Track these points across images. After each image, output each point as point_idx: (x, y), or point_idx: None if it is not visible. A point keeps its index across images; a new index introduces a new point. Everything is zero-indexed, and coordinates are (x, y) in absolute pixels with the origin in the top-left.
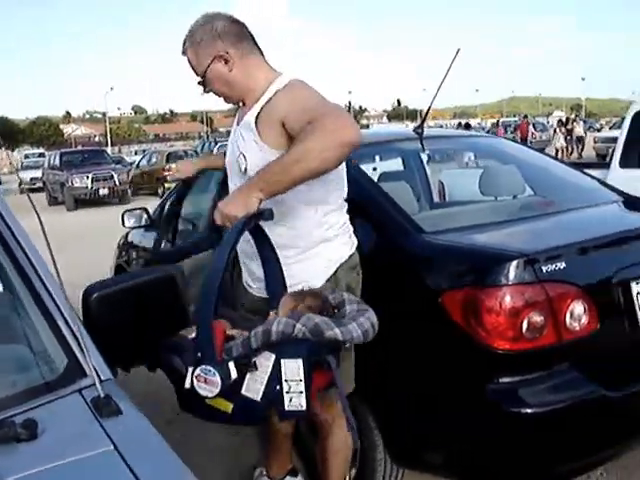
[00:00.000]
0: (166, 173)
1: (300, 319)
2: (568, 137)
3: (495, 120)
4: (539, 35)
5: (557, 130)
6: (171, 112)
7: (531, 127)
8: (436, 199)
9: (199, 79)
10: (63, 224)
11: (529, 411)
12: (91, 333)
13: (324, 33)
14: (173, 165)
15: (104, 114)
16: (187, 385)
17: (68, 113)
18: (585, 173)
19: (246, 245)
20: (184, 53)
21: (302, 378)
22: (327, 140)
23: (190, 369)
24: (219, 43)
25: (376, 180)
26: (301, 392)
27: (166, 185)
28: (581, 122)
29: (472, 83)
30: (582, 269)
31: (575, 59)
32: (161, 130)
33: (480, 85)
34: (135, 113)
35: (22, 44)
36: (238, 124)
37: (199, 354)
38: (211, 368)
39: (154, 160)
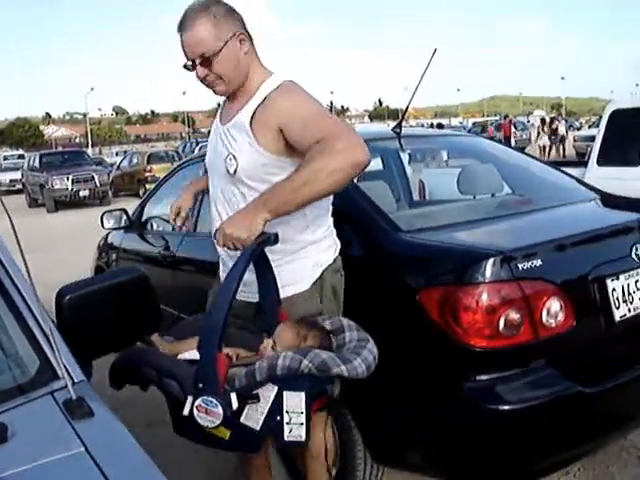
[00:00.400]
0: (174, 223)
1: (307, 355)
2: (553, 136)
3: (476, 119)
4: (520, 35)
5: (540, 129)
6: (152, 113)
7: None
8: (416, 198)
9: (198, 60)
10: (43, 226)
11: (506, 408)
12: (64, 335)
13: (304, 31)
14: (174, 207)
15: (84, 115)
16: (186, 413)
17: (48, 114)
18: (563, 172)
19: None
20: (189, 28)
21: (303, 410)
22: (338, 161)
23: (190, 398)
24: (238, 23)
25: (355, 180)
26: (302, 424)
27: (147, 186)
28: (562, 121)
29: (453, 82)
30: (558, 266)
31: (555, 59)
32: (142, 131)
33: (461, 84)
34: (116, 114)
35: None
36: (222, 122)
37: (200, 385)
38: (213, 400)
39: (135, 161)
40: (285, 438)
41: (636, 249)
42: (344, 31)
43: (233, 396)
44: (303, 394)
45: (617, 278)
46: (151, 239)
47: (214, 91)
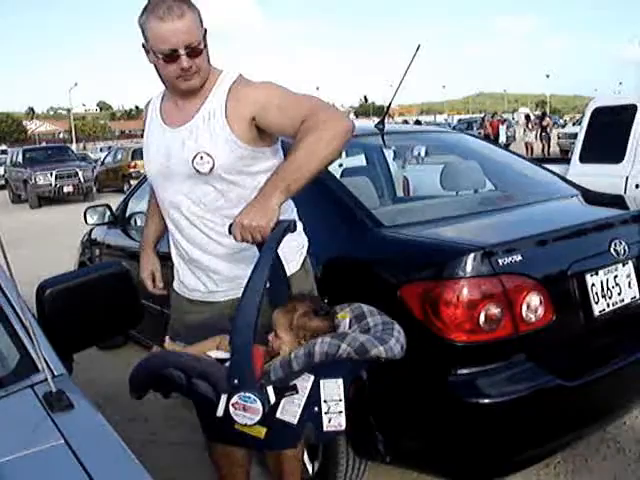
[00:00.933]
0: (156, 291)
1: (345, 339)
2: (543, 133)
3: (462, 116)
4: (505, 33)
5: (525, 126)
6: (137, 108)
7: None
8: (400, 194)
9: (183, 50)
10: (26, 222)
11: (487, 401)
12: (45, 329)
13: (289, 26)
14: (147, 278)
15: (68, 110)
16: (220, 413)
17: (31, 109)
18: (545, 168)
19: (215, 245)
20: (177, 16)
21: (342, 397)
22: (330, 131)
23: (224, 397)
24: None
25: (339, 176)
26: (340, 412)
27: (131, 182)
28: (547, 118)
29: (439, 80)
30: (538, 262)
31: (540, 57)
32: (127, 126)
33: (447, 82)
34: (100, 109)
35: None
36: (173, 123)
37: (236, 381)
38: (251, 395)
39: (119, 157)
40: (325, 429)
41: (615, 245)
42: (330, 27)
43: (270, 390)
44: (341, 380)
45: (596, 273)
46: (135, 235)
47: (186, 85)
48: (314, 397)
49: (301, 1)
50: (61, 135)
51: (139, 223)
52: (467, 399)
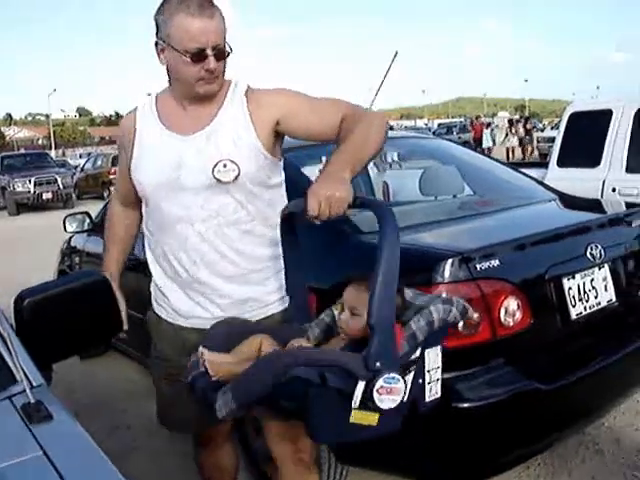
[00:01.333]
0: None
1: (454, 302)
2: (528, 137)
3: (442, 121)
4: (485, 38)
5: (508, 130)
6: (117, 114)
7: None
8: (380, 199)
9: (211, 51)
10: (4, 229)
11: (466, 405)
12: (23, 339)
13: (268, 31)
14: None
15: (47, 116)
16: (355, 404)
17: (9, 115)
18: (523, 173)
19: (225, 264)
20: (209, 15)
21: (440, 364)
22: (377, 120)
23: (361, 385)
24: None
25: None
26: (438, 379)
27: (111, 189)
28: (519, 123)
29: (419, 84)
30: (516, 266)
31: (519, 61)
32: (107, 132)
33: (427, 86)
34: (80, 115)
35: None
36: (185, 130)
37: (378, 363)
38: (395, 375)
39: (99, 163)
40: (427, 399)
41: (591, 248)
42: (309, 32)
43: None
44: (439, 347)
45: (573, 277)
46: None
47: (205, 90)
48: (420, 368)
49: (279, 6)
50: (40, 141)
51: None
52: (446, 403)
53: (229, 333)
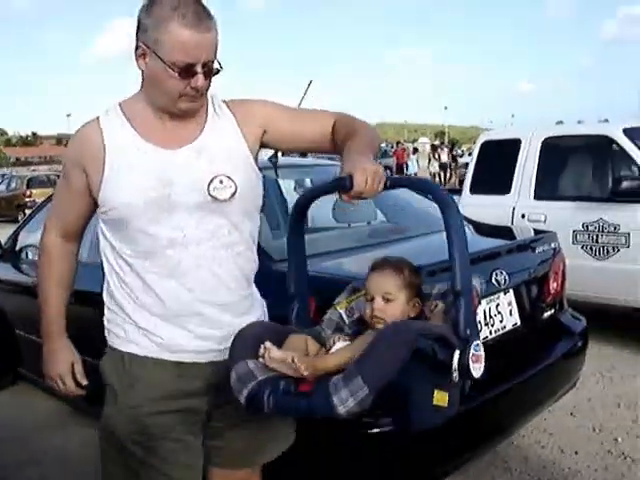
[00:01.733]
0: None
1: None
2: (453, 163)
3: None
4: (405, 65)
5: (431, 155)
6: (34, 135)
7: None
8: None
9: (200, 68)
10: None
11: (375, 431)
12: None
13: None
14: (67, 379)
15: None
16: (454, 376)
17: None
18: None
19: (224, 291)
20: (206, 29)
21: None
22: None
23: (456, 354)
24: None
25: None
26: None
27: (27, 212)
28: (445, 149)
29: (340, 109)
30: None
31: (439, 89)
32: (23, 153)
33: (349, 111)
34: None
35: None
36: (168, 145)
37: (468, 331)
38: (478, 342)
39: (14, 185)
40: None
41: (496, 274)
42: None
43: None
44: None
45: (479, 302)
46: (26, 269)
47: (187, 107)
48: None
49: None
50: None
51: (30, 257)
52: (357, 429)
53: (258, 337)
